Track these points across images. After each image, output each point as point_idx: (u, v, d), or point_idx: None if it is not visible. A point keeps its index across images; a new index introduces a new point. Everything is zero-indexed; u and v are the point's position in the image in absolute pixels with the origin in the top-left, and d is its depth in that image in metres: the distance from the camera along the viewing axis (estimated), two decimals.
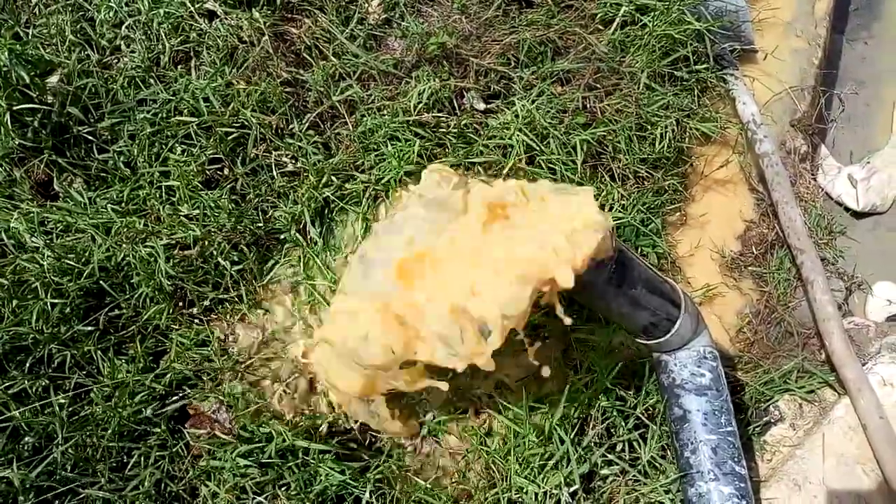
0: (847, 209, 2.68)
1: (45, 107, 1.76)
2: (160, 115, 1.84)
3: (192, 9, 1.95)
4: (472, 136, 1.95)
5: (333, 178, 1.85)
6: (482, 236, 1.40)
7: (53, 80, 1.82)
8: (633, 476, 1.70)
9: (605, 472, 1.71)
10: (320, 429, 1.64)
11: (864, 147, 2.84)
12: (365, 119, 1.92)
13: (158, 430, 1.57)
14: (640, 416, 1.75)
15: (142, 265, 1.66)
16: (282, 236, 1.84)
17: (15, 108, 1.73)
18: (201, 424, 1.61)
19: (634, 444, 1.74)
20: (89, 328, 1.61)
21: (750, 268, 2.26)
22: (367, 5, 2.13)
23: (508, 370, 1.76)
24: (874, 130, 2.91)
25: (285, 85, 1.94)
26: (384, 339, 1.42)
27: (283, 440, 1.56)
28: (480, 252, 1.38)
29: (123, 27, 1.95)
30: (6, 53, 1.73)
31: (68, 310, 1.60)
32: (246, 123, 1.84)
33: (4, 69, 1.72)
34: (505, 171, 1.88)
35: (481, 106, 2.02)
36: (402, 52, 2.07)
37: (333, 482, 1.53)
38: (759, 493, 1.77)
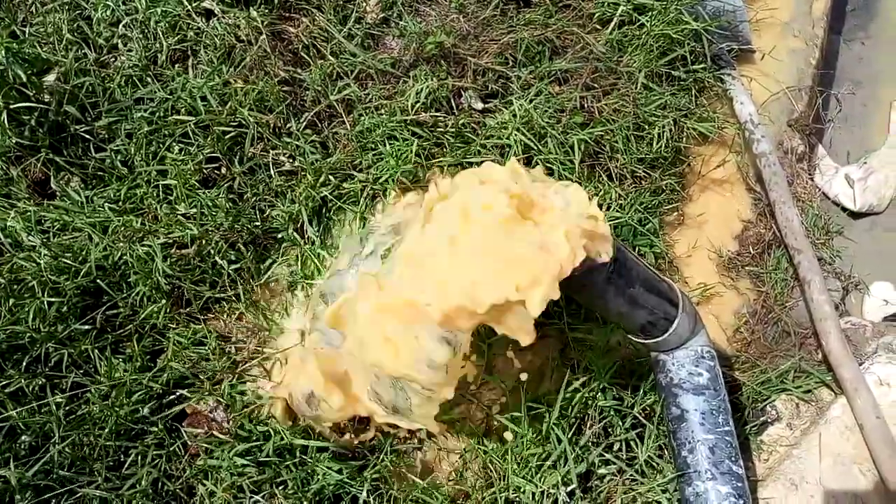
0: (844, 209, 2.68)
1: (41, 105, 1.76)
2: (157, 113, 1.84)
3: (189, 7, 1.95)
4: (469, 135, 1.95)
5: (331, 177, 1.85)
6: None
7: (50, 78, 1.82)
8: (631, 475, 1.70)
9: (602, 471, 1.71)
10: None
11: (861, 147, 2.84)
12: (363, 118, 1.92)
13: (155, 429, 1.56)
14: (638, 415, 1.75)
15: (139, 264, 1.66)
16: (279, 235, 1.83)
17: (12, 106, 1.72)
18: (199, 423, 1.60)
19: (632, 443, 1.74)
20: (86, 327, 1.61)
21: (747, 267, 2.26)
22: (364, 4, 2.13)
23: (505, 378, 1.76)
24: (871, 131, 2.91)
25: (283, 84, 1.93)
26: (325, 396, 1.45)
27: (281, 439, 1.56)
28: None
29: (120, 26, 1.94)
30: (3, 52, 1.73)
31: (65, 309, 1.60)
32: (243, 122, 1.84)
33: (1, 68, 1.72)
34: None
35: (479, 105, 2.02)
36: (399, 51, 2.06)
37: (331, 481, 1.53)
38: (756, 493, 1.77)
